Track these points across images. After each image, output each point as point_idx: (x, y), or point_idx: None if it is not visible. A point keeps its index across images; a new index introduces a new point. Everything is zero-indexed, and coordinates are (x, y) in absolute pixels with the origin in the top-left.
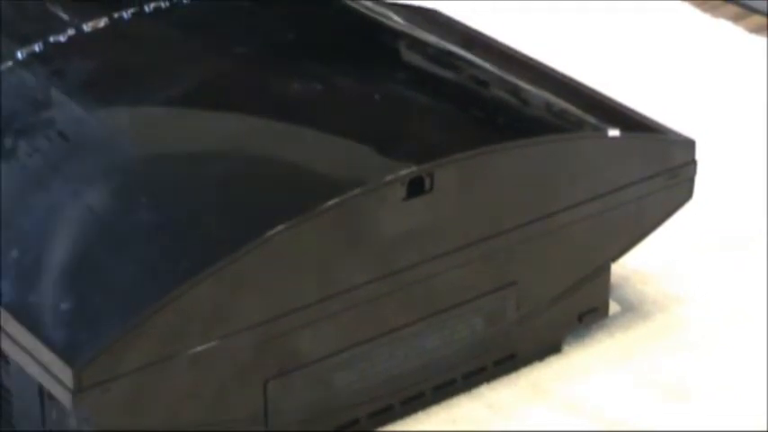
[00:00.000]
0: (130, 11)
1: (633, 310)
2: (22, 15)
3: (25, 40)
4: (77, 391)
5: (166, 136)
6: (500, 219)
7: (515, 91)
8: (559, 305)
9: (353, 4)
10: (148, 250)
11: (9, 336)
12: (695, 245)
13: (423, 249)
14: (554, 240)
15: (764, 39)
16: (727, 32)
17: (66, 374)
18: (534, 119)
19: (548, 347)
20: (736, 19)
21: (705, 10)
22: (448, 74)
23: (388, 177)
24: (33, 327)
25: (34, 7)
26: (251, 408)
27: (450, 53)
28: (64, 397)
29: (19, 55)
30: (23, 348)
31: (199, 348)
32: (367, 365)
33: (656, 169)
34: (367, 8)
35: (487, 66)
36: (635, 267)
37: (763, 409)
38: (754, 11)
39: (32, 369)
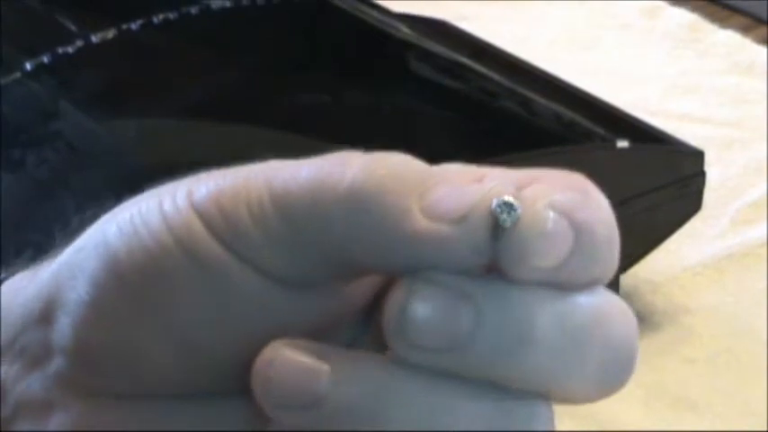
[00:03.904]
0: (139, 22)
1: (643, 320)
2: (29, 26)
3: (33, 51)
4: None
5: (175, 148)
6: None
7: (524, 102)
8: None
9: (362, 15)
10: None
11: None
12: (705, 255)
13: None
14: None
15: None
16: (735, 43)
17: None
18: (543, 130)
19: None
20: (745, 30)
21: (713, 21)
22: (456, 85)
23: None
24: None
25: (42, 18)
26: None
27: (458, 64)
28: None
29: (27, 66)
30: None
31: None
32: None
33: (665, 180)
34: (375, 19)
35: (496, 77)
36: (644, 278)
37: None
38: (763, 22)
39: None
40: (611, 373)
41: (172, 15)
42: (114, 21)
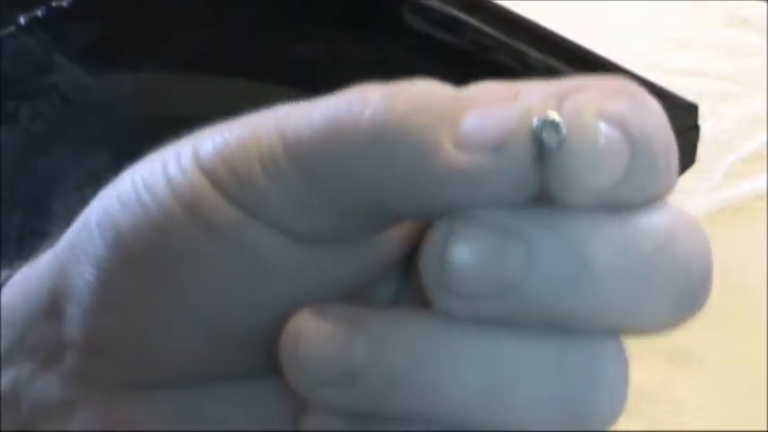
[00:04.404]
0: None
1: None
2: None
3: (27, 5)
4: None
5: (171, 101)
6: None
7: (519, 56)
8: None
9: None
10: None
11: None
12: (699, 209)
13: None
14: None
15: (766, 4)
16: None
17: None
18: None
19: None
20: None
21: None
22: (450, 38)
23: None
24: None
25: None
26: None
27: (452, 18)
28: None
29: (21, 20)
30: None
31: None
32: None
33: None
34: None
35: (490, 30)
36: None
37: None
38: None
39: None
40: (687, 296)
41: None
42: None
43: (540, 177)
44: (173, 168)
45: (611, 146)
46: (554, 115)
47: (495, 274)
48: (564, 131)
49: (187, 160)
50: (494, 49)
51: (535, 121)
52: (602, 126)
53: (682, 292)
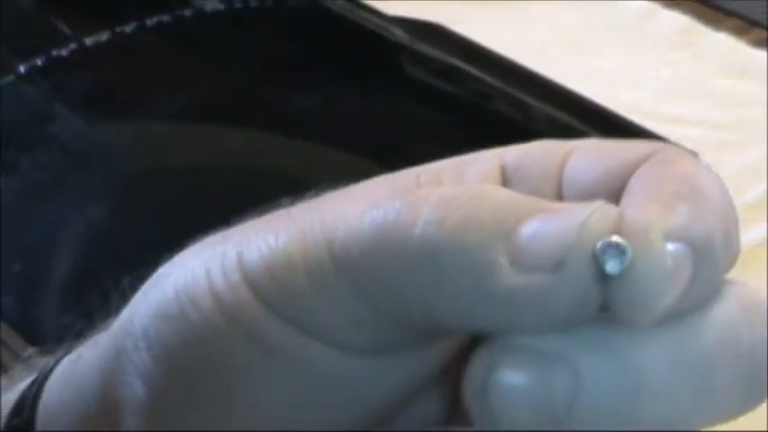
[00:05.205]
0: (132, 25)
1: None
2: (23, 28)
3: (27, 54)
4: None
5: (168, 151)
6: None
7: (518, 105)
8: None
9: (355, 18)
10: (151, 265)
11: (11, 351)
12: None
13: None
14: None
15: (766, 53)
16: (729, 46)
17: None
18: (537, 132)
19: None
20: (739, 32)
21: (707, 23)
22: (450, 88)
23: None
24: (36, 342)
25: (36, 20)
26: None
27: (452, 67)
28: None
29: (21, 69)
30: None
31: None
32: None
33: None
34: (369, 22)
35: (490, 80)
36: None
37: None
38: (758, 24)
39: None
40: (755, 382)
41: (165, 18)
42: (108, 24)
43: (602, 295)
44: (218, 279)
45: (677, 264)
46: (618, 239)
47: (541, 404)
48: (630, 255)
49: (232, 271)
50: (494, 98)
51: (599, 245)
52: (670, 247)
53: (749, 379)
